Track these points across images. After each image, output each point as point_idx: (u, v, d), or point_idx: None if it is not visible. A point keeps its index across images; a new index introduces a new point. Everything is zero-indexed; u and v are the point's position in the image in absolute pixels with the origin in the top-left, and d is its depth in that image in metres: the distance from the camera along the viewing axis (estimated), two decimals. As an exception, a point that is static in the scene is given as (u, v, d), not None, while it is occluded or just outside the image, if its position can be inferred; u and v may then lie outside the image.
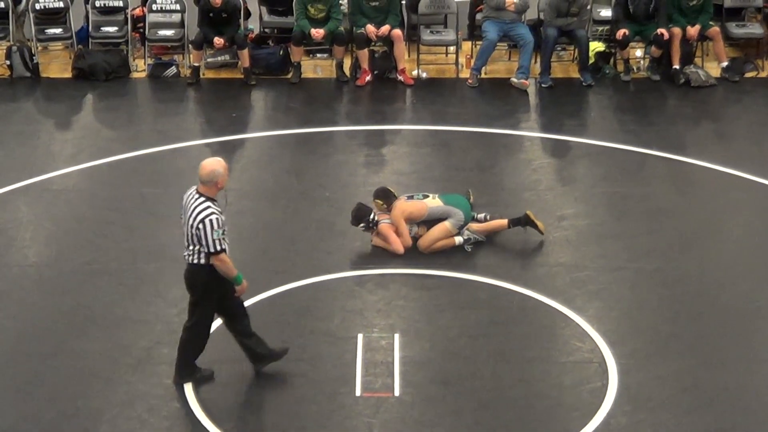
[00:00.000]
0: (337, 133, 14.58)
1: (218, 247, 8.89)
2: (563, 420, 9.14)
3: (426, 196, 11.62)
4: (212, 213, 8.86)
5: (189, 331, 9.37)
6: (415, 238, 11.55)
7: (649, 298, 10.76)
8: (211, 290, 9.16)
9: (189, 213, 8.95)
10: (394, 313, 10.51)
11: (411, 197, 11.62)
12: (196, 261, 9.03)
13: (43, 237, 11.91)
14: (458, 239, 11.51)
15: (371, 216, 11.42)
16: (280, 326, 10.32)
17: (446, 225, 11.44)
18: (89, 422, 9.08)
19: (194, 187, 9.08)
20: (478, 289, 10.90)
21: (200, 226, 8.85)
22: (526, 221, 11.68)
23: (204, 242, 8.88)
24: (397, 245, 11.39)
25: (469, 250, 11.50)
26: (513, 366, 9.79)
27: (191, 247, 9.00)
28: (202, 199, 8.94)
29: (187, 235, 8.99)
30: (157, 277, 11.08)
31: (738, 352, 9.96)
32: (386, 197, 11.56)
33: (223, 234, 8.89)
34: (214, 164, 9.00)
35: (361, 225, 11.45)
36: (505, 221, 11.72)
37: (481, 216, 11.81)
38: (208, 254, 8.93)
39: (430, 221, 11.51)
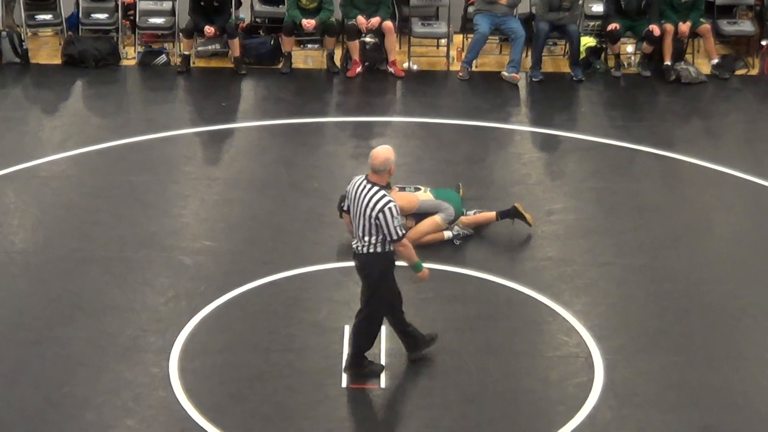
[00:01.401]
0: (327, 124, 14.57)
1: (400, 233, 8.96)
2: (549, 414, 9.15)
3: (417, 189, 11.61)
4: (390, 201, 8.92)
5: (363, 322, 9.37)
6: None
7: (637, 294, 10.77)
8: (387, 277, 9.20)
9: (363, 204, 8.97)
10: (382, 305, 10.51)
11: (403, 189, 11.60)
12: (372, 251, 9.07)
13: (31, 224, 11.88)
14: (447, 234, 11.51)
15: None
16: (268, 316, 10.32)
17: (436, 219, 11.44)
18: (75, 410, 9.07)
19: (361, 177, 9.12)
20: (465, 282, 10.90)
21: (380, 215, 8.88)
22: (514, 213, 11.70)
23: (385, 231, 8.92)
24: None
25: (458, 243, 11.50)
26: (499, 360, 9.79)
27: (366, 238, 9.03)
28: (377, 188, 8.98)
29: (362, 226, 9.01)
30: (145, 265, 11.06)
31: (724, 350, 9.97)
32: None
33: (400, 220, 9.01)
34: (387, 152, 9.04)
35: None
36: (493, 214, 11.73)
37: (470, 213, 11.81)
38: (390, 242, 8.98)
39: (420, 214, 11.49)
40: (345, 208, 9.41)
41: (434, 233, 11.45)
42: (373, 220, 8.93)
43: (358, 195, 9.04)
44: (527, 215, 11.70)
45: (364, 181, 9.07)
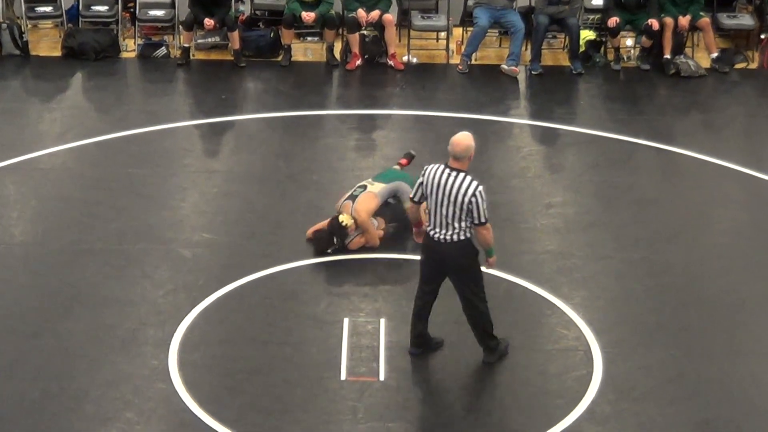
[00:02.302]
0: (326, 116, 14.57)
1: (487, 216, 9.09)
2: (547, 407, 9.15)
3: (363, 187, 11.41)
4: (479, 185, 9.03)
5: (481, 305, 9.43)
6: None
7: (635, 288, 10.78)
8: (476, 257, 9.28)
9: (452, 191, 9.03)
10: (381, 298, 10.52)
11: (354, 197, 11.28)
12: (463, 237, 9.14)
13: (30, 216, 11.88)
14: None
15: (345, 240, 11.16)
16: (266, 309, 10.32)
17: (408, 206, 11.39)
18: (73, 402, 9.07)
19: (439, 166, 9.17)
20: (464, 275, 10.89)
21: (473, 200, 8.99)
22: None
23: (476, 214, 9.03)
24: (373, 241, 11.28)
25: None
26: (498, 353, 9.80)
27: (456, 224, 9.10)
28: (462, 174, 9.07)
29: (451, 214, 9.06)
30: (144, 258, 11.06)
31: (722, 344, 9.98)
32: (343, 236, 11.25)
33: None
34: (468, 139, 9.13)
35: (334, 243, 11.11)
36: None
37: None
38: (477, 225, 9.08)
39: (386, 209, 11.39)
40: (417, 199, 9.36)
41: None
42: (465, 206, 9.01)
43: (443, 183, 9.08)
44: None
45: (447, 169, 9.12)
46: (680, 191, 12.73)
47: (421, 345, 9.68)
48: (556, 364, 9.66)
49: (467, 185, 9.01)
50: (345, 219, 11.05)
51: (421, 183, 9.24)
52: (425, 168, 9.27)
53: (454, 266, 9.30)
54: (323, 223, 11.23)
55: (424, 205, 10.83)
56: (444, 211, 9.10)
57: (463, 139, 9.12)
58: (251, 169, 13.01)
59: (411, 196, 9.42)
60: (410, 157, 12.18)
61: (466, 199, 9.00)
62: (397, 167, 11.95)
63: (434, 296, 9.56)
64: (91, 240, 11.37)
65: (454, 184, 9.04)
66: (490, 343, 9.59)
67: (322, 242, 11.11)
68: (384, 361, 9.60)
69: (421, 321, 9.62)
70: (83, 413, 8.97)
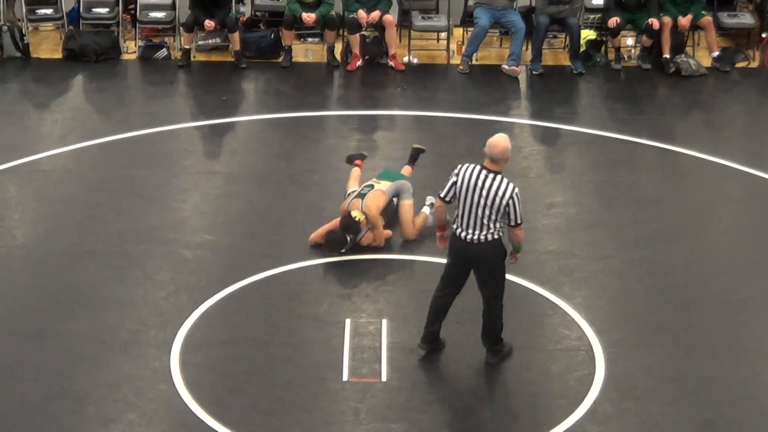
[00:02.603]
0: (327, 117, 14.57)
1: (522, 218, 9.16)
2: (550, 407, 9.15)
3: (370, 186, 11.47)
4: (515, 187, 9.10)
5: (498, 304, 9.49)
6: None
7: (637, 288, 10.77)
8: (504, 258, 9.37)
9: (489, 193, 9.06)
10: (382, 299, 10.52)
11: (363, 195, 11.34)
12: (496, 237, 9.20)
13: (31, 218, 11.89)
14: (426, 209, 11.63)
15: (357, 236, 11.17)
16: (268, 310, 10.32)
17: (405, 204, 11.40)
18: (75, 404, 9.07)
19: (474, 166, 9.20)
20: (466, 275, 10.89)
21: (510, 202, 9.06)
22: (416, 153, 12.24)
23: (512, 216, 9.11)
24: (379, 240, 11.30)
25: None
26: (500, 353, 9.80)
27: (492, 225, 9.14)
28: (500, 176, 9.12)
29: (487, 215, 9.09)
30: (145, 259, 11.07)
31: (724, 343, 9.98)
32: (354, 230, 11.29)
33: None
34: (505, 142, 9.17)
35: (348, 237, 11.10)
36: (409, 168, 12.14)
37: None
38: (513, 226, 9.18)
39: (388, 209, 11.43)
40: (448, 199, 9.34)
41: (414, 216, 11.45)
42: (502, 208, 9.06)
43: (480, 185, 9.10)
44: (420, 146, 12.25)
45: (484, 171, 9.15)
46: (681, 191, 12.73)
47: (432, 342, 9.68)
48: (558, 364, 9.66)
49: (505, 187, 9.06)
50: (357, 215, 11.08)
51: (454, 183, 9.24)
52: (459, 167, 9.28)
53: (484, 265, 9.34)
54: (326, 227, 11.25)
55: (406, 208, 10.98)
56: (480, 213, 9.11)
57: (501, 141, 9.15)
58: (252, 170, 13.02)
59: (442, 195, 9.38)
60: (362, 158, 12.26)
61: (504, 202, 9.04)
62: (357, 169, 12.00)
63: (455, 296, 9.58)
64: (93, 241, 11.38)
65: (491, 186, 9.06)
66: (496, 345, 9.60)
67: (335, 243, 11.09)
68: (386, 362, 9.60)
69: (438, 320, 9.63)
70: (85, 415, 8.97)
